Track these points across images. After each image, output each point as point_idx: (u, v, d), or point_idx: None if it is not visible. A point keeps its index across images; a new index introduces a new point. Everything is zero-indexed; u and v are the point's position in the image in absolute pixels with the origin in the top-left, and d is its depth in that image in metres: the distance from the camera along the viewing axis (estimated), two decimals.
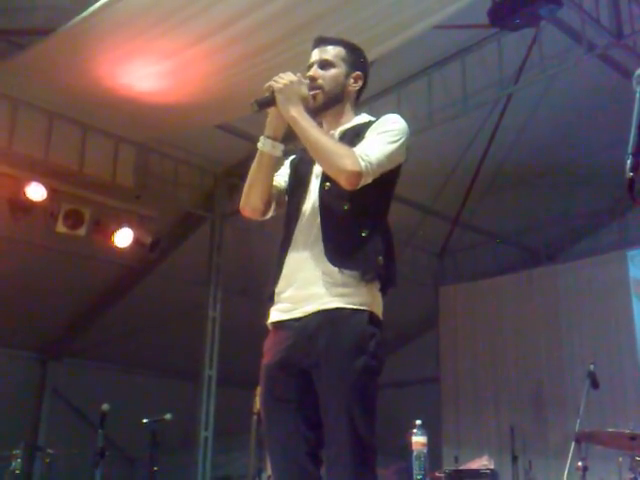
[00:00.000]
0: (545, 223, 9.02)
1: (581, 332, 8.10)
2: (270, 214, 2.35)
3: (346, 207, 2.14)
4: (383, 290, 2.18)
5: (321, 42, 2.34)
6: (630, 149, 1.35)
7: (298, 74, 2.19)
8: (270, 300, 2.25)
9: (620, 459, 4.55)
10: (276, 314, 2.23)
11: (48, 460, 6.41)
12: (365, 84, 2.37)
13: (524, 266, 9.19)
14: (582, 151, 7.77)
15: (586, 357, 6.58)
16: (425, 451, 5.28)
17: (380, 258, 2.13)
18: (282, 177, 2.39)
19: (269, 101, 2.17)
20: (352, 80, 2.31)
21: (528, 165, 8.06)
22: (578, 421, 4.79)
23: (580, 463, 4.57)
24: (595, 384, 5.07)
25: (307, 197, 2.24)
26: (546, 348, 8.35)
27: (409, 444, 5.31)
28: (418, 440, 5.28)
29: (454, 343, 9.25)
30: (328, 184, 2.17)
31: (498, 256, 9.40)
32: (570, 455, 4.66)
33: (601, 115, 7.19)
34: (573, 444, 4.65)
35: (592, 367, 5.12)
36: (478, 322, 9.03)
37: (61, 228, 6.59)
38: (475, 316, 9.10)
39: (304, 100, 2.18)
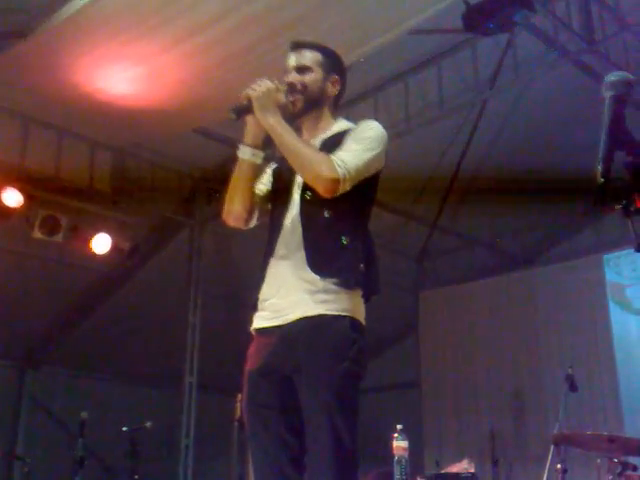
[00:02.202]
0: (522, 227, 9.08)
1: (559, 336, 8.16)
2: (253, 222, 2.35)
3: (327, 215, 2.15)
4: (366, 297, 2.19)
5: (298, 47, 2.34)
6: (600, 155, 1.36)
7: (275, 81, 2.20)
8: (254, 307, 2.26)
9: (598, 461, 4.59)
10: (259, 321, 2.24)
11: (27, 469, 6.32)
12: (343, 88, 2.38)
13: (501, 270, 9.25)
14: (558, 155, 7.84)
15: (564, 361, 6.65)
16: (406, 455, 5.30)
17: (361, 265, 2.14)
18: (264, 185, 2.39)
19: (246, 109, 2.17)
20: (330, 84, 2.32)
21: (504, 169, 8.12)
22: (557, 424, 4.84)
23: (559, 466, 4.61)
24: (573, 387, 5.12)
25: (289, 206, 2.24)
26: (525, 352, 8.41)
27: (390, 449, 5.33)
28: (399, 445, 5.29)
29: (434, 348, 9.28)
30: (309, 193, 2.18)
31: (476, 261, 9.46)
32: (549, 458, 4.70)
33: (576, 119, 7.26)
34: (552, 447, 4.69)
35: (570, 370, 5.17)
36: (457, 326, 9.07)
37: (38, 234, 6.52)
38: (454, 321, 9.14)
39: (282, 107, 2.18)
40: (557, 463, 4.63)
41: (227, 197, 2.30)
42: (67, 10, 4.72)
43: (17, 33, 5.13)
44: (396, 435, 5.27)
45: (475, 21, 5.33)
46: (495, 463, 6.90)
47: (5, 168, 6.26)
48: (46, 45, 5.06)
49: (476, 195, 8.49)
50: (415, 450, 6.05)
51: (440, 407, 8.93)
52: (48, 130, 6.38)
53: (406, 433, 5.18)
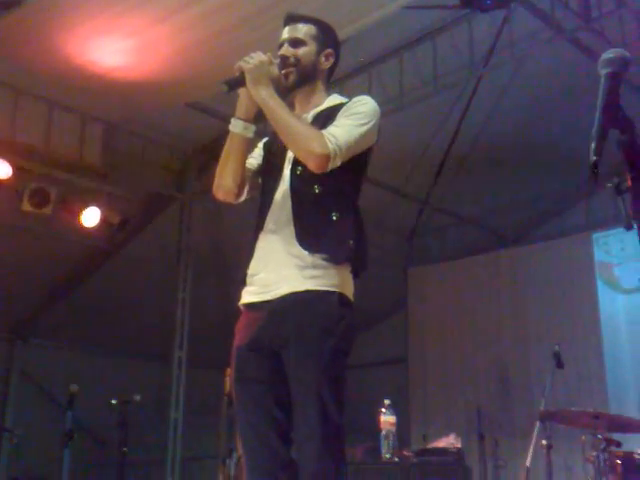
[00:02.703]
0: (512, 205, 9.10)
1: (546, 313, 8.22)
2: (244, 197, 2.34)
3: (317, 190, 2.15)
4: (355, 273, 2.19)
5: (292, 20, 2.33)
6: (594, 133, 1.36)
7: (268, 54, 2.18)
8: (243, 282, 2.26)
9: (583, 437, 4.64)
10: (248, 296, 2.24)
11: (15, 441, 6.35)
12: (337, 62, 2.37)
13: (491, 248, 9.29)
14: (550, 133, 7.84)
15: (551, 338, 6.69)
16: (394, 430, 5.37)
17: (351, 241, 2.14)
18: (255, 159, 2.38)
19: (239, 82, 2.15)
20: (323, 58, 2.31)
21: (496, 147, 8.11)
22: (543, 401, 4.89)
23: (544, 442, 4.67)
24: (560, 364, 5.17)
25: (280, 181, 2.24)
26: (512, 329, 8.47)
27: (378, 423, 5.39)
28: (387, 419, 5.36)
29: (422, 324, 9.34)
30: (300, 168, 2.17)
31: (465, 238, 9.48)
32: (535, 434, 4.75)
33: (570, 98, 7.26)
34: (538, 423, 4.75)
35: (557, 348, 5.22)
36: (446, 303, 9.11)
37: (27, 207, 6.48)
38: (443, 298, 9.18)
39: (275, 80, 2.16)
40: (543, 439, 4.69)
41: (217, 171, 2.28)
42: None
43: (9, 2, 5.05)
44: (383, 410, 5.32)
45: None
46: (481, 438, 6.98)
47: None
48: (38, 15, 4.99)
49: (468, 173, 8.50)
50: (402, 425, 6.12)
51: (427, 383, 9.01)
52: (38, 102, 6.31)
53: (393, 408, 5.23)
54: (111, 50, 5.46)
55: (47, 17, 5.02)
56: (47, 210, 6.58)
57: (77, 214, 6.81)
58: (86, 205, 6.83)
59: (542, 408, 4.80)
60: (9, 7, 4.98)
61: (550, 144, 7.91)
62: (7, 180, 6.28)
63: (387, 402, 5.38)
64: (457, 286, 9.09)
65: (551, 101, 7.49)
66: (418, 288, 9.54)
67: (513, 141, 7.99)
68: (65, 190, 6.73)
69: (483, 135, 8.00)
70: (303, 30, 2.29)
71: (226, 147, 2.26)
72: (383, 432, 5.39)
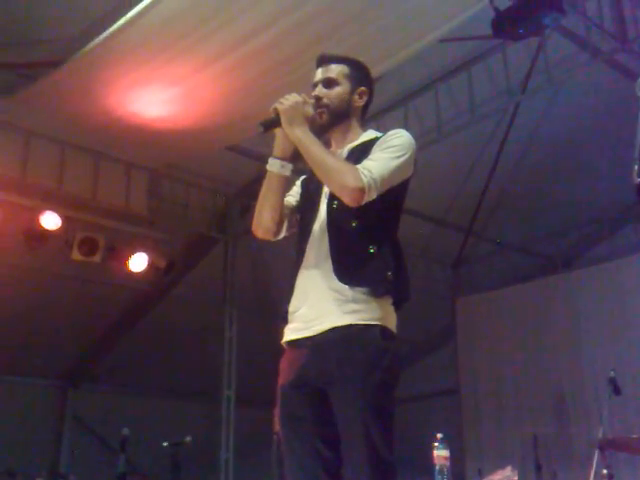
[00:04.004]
0: (559, 230, 8.98)
1: (601, 338, 8.02)
2: (283, 234, 2.36)
3: (354, 224, 2.16)
4: (396, 305, 2.18)
5: (324, 60, 2.36)
6: (636, 155, 1.35)
7: (302, 94, 2.22)
8: (284, 319, 2.27)
9: None
10: (289, 333, 2.24)
11: None
12: (371, 99, 2.39)
13: (540, 274, 9.14)
14: (592, 155, 7.74)
15: (607, 363, 6.53)
16: (448, 465, 5.24)
17: (389, 273, 2.13)
18: (293, 197, 2.41)
19: (274, 122, 2.20)
20: (357, 96, 2.33)
21: (538, 172, 8.05)
22: (601, 428, 4.75)
23: (605, 471, 4.53)
24: (617, 390, 5.03)
25: (317, 216, 2.26)
26: (566, 355, 8.28)
27: (431, 458, 5.28)
28: (440, 454, 5.24)
29: (472, 354, 9.20)
30: (336, 202, 2.19)
31: (513, 265, 9.36)
32: (594, 463, 4.61)
33: (609, 119, 7.17)
34: (597, 452, 4.61)
35: (613, 373, 5.09)
36: (496, 332, 8.97)
37: (77, 255, 6.64)
38: (493, 326, 9.04)
39: (309, 120, 2.20)
40: (603, 468, 4.55)
41: (256, 209, 2.32)
42: (98, 37, 4.82)
43: (51, 62, 5.25)
44: (436, 444, 5.21)
45: (505, 27, 5.28)
46: (539, 469, 6.79)
47: (44, 192, 6.41)
48: (79, 72, 5.17)
49: (511, 199, 8.43)
50: (456, 459, 5.99)
51: (480, 414, 8.84)
52: (84, 154, 6.50)
53: (446, 442, 5.14)
54: (152, 100, 5.61)
55: (90, 73, 5.19)
56: (96, 258, 6.73)
57: (125, 260, 6.96)
58: (133, 251, 6.97)
59: (600, 436, 4.67)
60: (56, 65, 5.18)
61: (593, 167, 7.81)
62: (57, 230, 6.46)
63: (440, 435, 5.26)
64: (507, 314, 8.95)
65: (591, 123, 7.41)
66: (466, 317, 9.42)
67: (555, 165, 7.91)
68: (113, 237, 6.89)
69: (524, 160, 7.95)
70: (336, 70, 2.32)
71: (264, 186, 2.29)
72: (437, 467, 5.26)
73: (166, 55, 5.06)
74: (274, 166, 2.25)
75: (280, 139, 2.24)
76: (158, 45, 4.97)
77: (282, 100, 2.19)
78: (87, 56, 4.99)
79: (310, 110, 2.22)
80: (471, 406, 8.98)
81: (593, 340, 8.09)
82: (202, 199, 7.68)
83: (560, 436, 7.83)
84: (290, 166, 2.26)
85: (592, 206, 8.55)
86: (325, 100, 2.29)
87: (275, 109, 2.19)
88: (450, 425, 8.21)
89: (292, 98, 2.19)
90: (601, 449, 4.58)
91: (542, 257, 9.54)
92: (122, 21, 4.67)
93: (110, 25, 4.73)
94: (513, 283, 9.09)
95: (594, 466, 4.60)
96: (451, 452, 5.28)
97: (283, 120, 2.17)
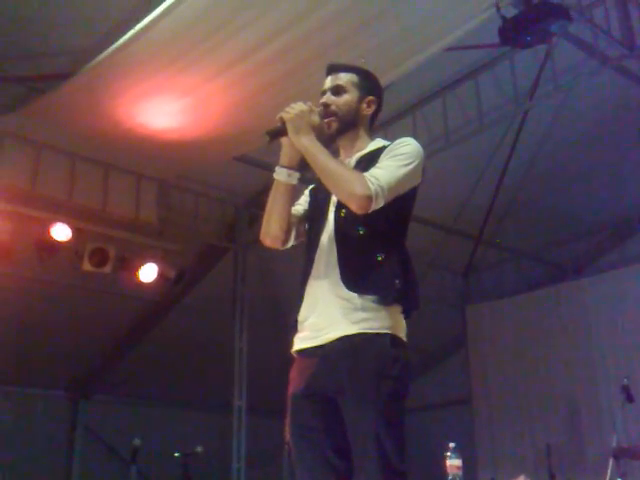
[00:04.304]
0: (569, 237, 8.94)
1: (613, 346, 7.97)
2: (291, 243, 2.37)
3: (361, 232, 2.16)
4: (406, 313, 2.17)
5: (333, 69, 2.38)
6: None
7: (308, 103, 2.22)
8: (294, 328, 2.27)
9: None
10: (299, 342, 2.24)
11: None
12: (379, 108, 2.40)
13: (551, 282, 9.10)
14: (601, 162, 7.72)
15: (620, 371, 6.49)
16: (461, 474, 5.21)
17: (397, 281, 2.13)
18: (302, 205, 2.42)
19: (280, 131, 2.21)
20: (365, 105, 2.34)
21: (547, 179, 8.03)
22: (615, 436, 4.72)
23: (619, 479, 4.49)
24: (630, 398, 5.00)
25: (326, 225, 2.26)
26: (578, 363, 8.23)
27: (444, 468, 5.25)
28: (453, 463, 5.20)
29: (484, 362, 9.15)
30: (344, 211, 2.19)
31: (523, 273, 9.33)
32: (609, 472, 4.58)
33: (618, 125, 7.15)
34: (611, 460, 4.58)
35: (626, 381, 5.06)
36: (507, 340, 8.93)
37: (87, 266, 6.67)
38: (504, 334, 9.00)
39: (316, 128, 2.21)
40: (617, 477, 4.51)
41: (264, 218, 2.33)
42: (108, 49, 4.85)
43: (61, 74, 5.29)
44: (449, 454, 5.18)
45: (512, 35, 5.27)
46: (552, 478, 6.75)
47: (54, 204, 6.44)
48: (89, 84, 5.20)
49: (520, 206, 8.41)
50: (469, 468, 5.96)
51: (493, 422, 8.78)
52: (94, 166, 6.54)
53: (459, 451, 5.11)
54: (162, 111, 5.64)
55: (100, 85, 5.22)
56: (107, 269, 6.75)
57: (135, 271, 6.98)
58: (143, 261, 6.99)
59: (615, 444, 4.64)
60: (66, 78, 5.22)
61: (602, 173, 7.79)
62: (67, 242, 6.49)
63: (452, 445, 5.24)
64: (518, 322, 8.91)
65: (600, 130, 7.39)
66: (477, 326, 9.38)
67: (564, 171, 7.89)
68: (123, 248, 6.91)
69: (533, 168, 7.94)
70: (345, 78, 2.33)
71: (271, 195, 2.30)
72: (449, 477, 5.24)
73: (176, 66, 5.08)
74: (281, 175, 2.26)
75: (286, 148, 2.25)
76: (168, 56, 5.00)
77: (288, 109, 2.20)
78: (96, 68, 5.02)
79: (316, 118, 2.22)
80: (483, 415, 8.93)
81: (605, 348, 8.03)
82: (211, 209, 7.70)
83: (573, 445, 7.77)
84: (297, 175, 2.27)
85: (602, 213, 8.52)
86: (333, 107, 2.30)
87: (281, 118, 2.20)
88: (462, 434, 8.16)
89: (298, 107, 2.19)
90: (615, 457, 4.55)
91: (552, 265, 9.50)
92: (131, 33, 4.69)
93: (119, 37, 4.77)
94: (523, 291, 9.05)
95: (608, 475, 4.58)
96: (464, 461, 5.26)
97: (289, 129, 2.18)
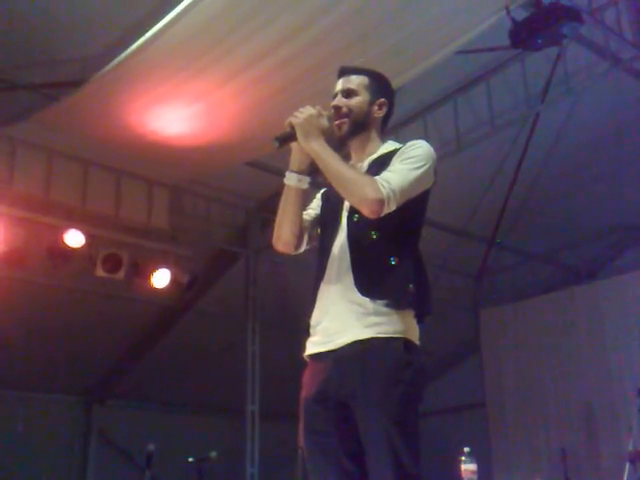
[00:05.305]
0: (583, 239, 8.89)
1: (628, 349, 7.91)
2: (303, 247, 2.36)
3: (374, 236, 2.15)
4: (419, 317, 2.16)
5: (345, 72, 2.37)
6: None
7: (317, 107, 2.22)
8: (306, 333, 2.26)
9: None
10: (311, 346, 2.23)
11: None
12: (391, 111, 2.38)
13: (564, 285, 9.05)
14: (614, 164, 7.68)
15: (635, 374, 6.44)
16: (475, 479, 5.18)
17: (411, 286, 2.11)
18: (314, 210, 2.41)
19: (289, 136, 2.20)
20: (376, 107, 2.33)
21: (560, 182, 7.99)
22: (631, 441, 4.68)
23: None
24: None
25: (338, 229, 2.25)
26: (593, 367, 8.17)
27: (458, 472, 5.22)
28: (468, 468, 5.18)
29: (498, 366, 9.11)
30: (356, 215, 2.18)
31: (537, 276, 9.28)
32: (625, 475, 4.54)
33: (631, 126, 7.11)
34: (627, 464, 4.54)
35: None
36: (521, 344, 8.89)
37: (100, 272, 6.69)
38: (517, 338, 8.96)
39: (325, 132, 2.20)
40: None
41: (276, 223, 2.32)
42: (120, 56, 4.87)
43: (74, 82, 5.32)
44: (463, 458, 5.16)
45: (523, 37, 5.26)
46: None
47: (67, 210, 6.48)
48: (102, 91, 5.22)
49: (533, 209, 8.37)
50: (484, 473, 5.93)
51: (508, 427, 8.74)
52: (107, 172, 6.57)
53: (474, 455, 5.08)
54: (172, 118, 5.65)
55: (112, 91, 5.25)
56: (120, 274, 6.78)
57: (148, 276, 7.00)
58: (156, 267, 7.01)
59: (631, 448, 4.60)
60: (78, 85, 5.25)
61: (615, 175, 7.75)
62: (80, 248, 6.52)
63: (467, 449, 5.22)
64: (532, 325, 8.87)
65: (613, 132, 7.35)
66: (491, 329, 9.35)
67: (577, 173, 7.85)
68: (135, 254, 6.94)
69: (545, 171, 7.90)
70: (356, 81, 2.32)
71: (282, 200, 2.30)
72: None
73: (187, 72, 5.09)
74: (291, 180, 2.26)
75: (296, 153, 2.24)
76: (179, 63, 5.01)
77: (297, 113, 2.19)
78: (108, 75, 5.04)
79: (325, 122, 2.21)
80: (498, 419, 8.88)
81: (620, 351, 7.98)
82: (223, 214, 7.72)
83: (589, 449, 7.71)
84: (307, 179, 2.26)
85: (615, 215, 8.47)
86: (344, 109, 2.29)
87: (290, 123, 2.19)
88: (477, 438, 8.12)
89: (307, 111, 2.18)
90: (632, 462, 4.52)
91: (566, 267, 9.45)
92: (142, 40, 4.71)
93: (130, 45, 4.79)
94: (537, 294, 9.01)
95: (625, 478, 4.53)
96: (478, 466, 5.24)
97: (299, 133, 2.17)
